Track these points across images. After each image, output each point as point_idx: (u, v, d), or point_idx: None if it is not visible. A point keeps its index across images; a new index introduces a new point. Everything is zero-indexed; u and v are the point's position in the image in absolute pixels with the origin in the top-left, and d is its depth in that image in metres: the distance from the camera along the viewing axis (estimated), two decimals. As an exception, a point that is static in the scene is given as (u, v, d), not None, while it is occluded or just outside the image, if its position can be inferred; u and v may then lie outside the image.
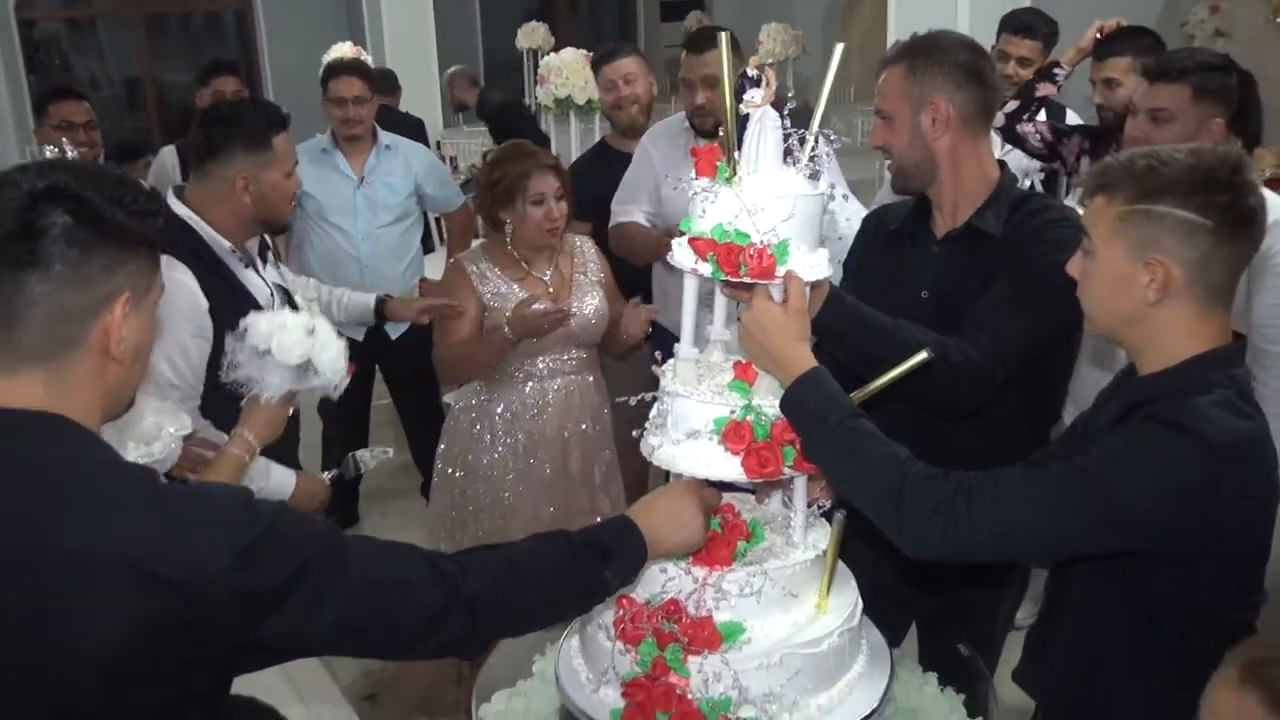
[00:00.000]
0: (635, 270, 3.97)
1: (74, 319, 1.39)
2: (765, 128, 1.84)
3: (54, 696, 1.33)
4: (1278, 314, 2.90)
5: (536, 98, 6.96)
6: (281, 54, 12.00)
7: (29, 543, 1.30)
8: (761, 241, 1.81)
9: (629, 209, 4.02)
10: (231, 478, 2.36)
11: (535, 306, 3.17)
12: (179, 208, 2.79)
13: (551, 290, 3.37)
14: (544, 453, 3.37)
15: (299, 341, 2.41)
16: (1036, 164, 4.29)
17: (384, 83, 6.77)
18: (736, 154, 1.83)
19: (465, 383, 3.48)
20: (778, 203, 1.81)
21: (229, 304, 2.68)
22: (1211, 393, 1.67)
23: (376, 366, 4.75)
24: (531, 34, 10.36)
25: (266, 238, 3.08)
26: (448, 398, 5.07)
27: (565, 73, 5.96)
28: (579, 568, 1.71)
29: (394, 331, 4.46)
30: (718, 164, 1.84)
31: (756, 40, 10.67)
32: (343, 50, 7.70)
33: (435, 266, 5.17)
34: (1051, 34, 4.51)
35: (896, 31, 6.71)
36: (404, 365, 4.67)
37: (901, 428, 1.88)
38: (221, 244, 2.79)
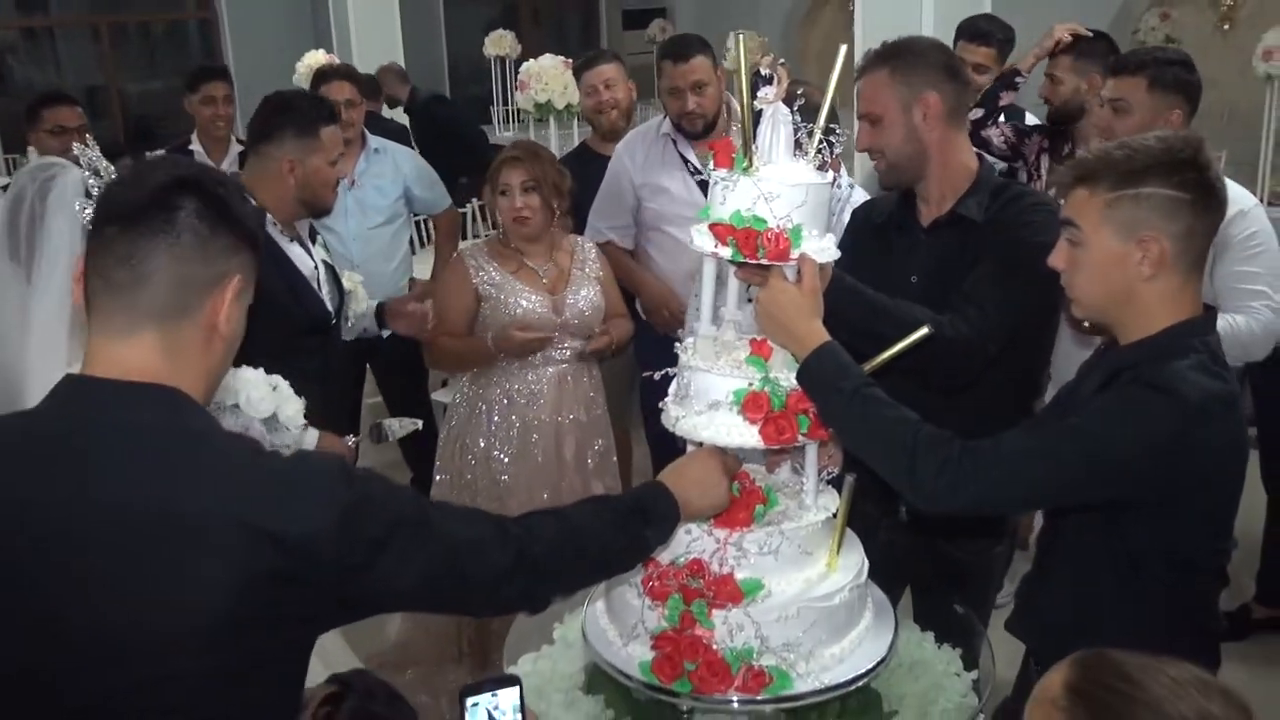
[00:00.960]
0: None
1: (193, 289, 1.52)
2: (778, 122, 2.01)
3: (165, 650, 1.41)
4: (1239, 279, 3.16)
5: (515, 103, 7.09)
6: (248, 61, 11.98)
7: (148, 508, 1.41)
8: (777, 226, 1.97)
9: (603, 229, 4.18)
10: None
11: (519, 333, 3.34)
12: None
13: (546, 282, 3.51)
14: (538, 439, 3.50)
15: (265, 396, 2.55)
16: (1002, 164, 4.47)
17: (369, 89, 6.89)
18: (753, 146, 1.99)
19: (459, 373, 3.64)
20: (792, 190, 1.97)
21: (273, 271, 2.88)
22: (1188, 357, 1.86)
23: (368, 365, 4.87)
24: (499, 41, 10.45)
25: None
26: (438, 395, 5.21)
27: (545, 78, 6.09)
28: (625, 529, 1.86)
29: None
30: (735, 155, 2.00)
31: (724, 46, 10.83)
32: (316, 57, 7.77)
33: (421, 267, 5.31)
34: (1007, 40, 4.59)
35: (863, 38, 6.89)
36: (393, 363, 4.78)
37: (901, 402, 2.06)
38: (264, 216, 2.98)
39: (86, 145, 2.43)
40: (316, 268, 3.13)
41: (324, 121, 3.10)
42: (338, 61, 7.89)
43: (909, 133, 2.49)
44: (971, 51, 4.54)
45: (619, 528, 1.85)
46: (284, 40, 10.51)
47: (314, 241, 3.18)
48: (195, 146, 5.25)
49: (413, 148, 6.09)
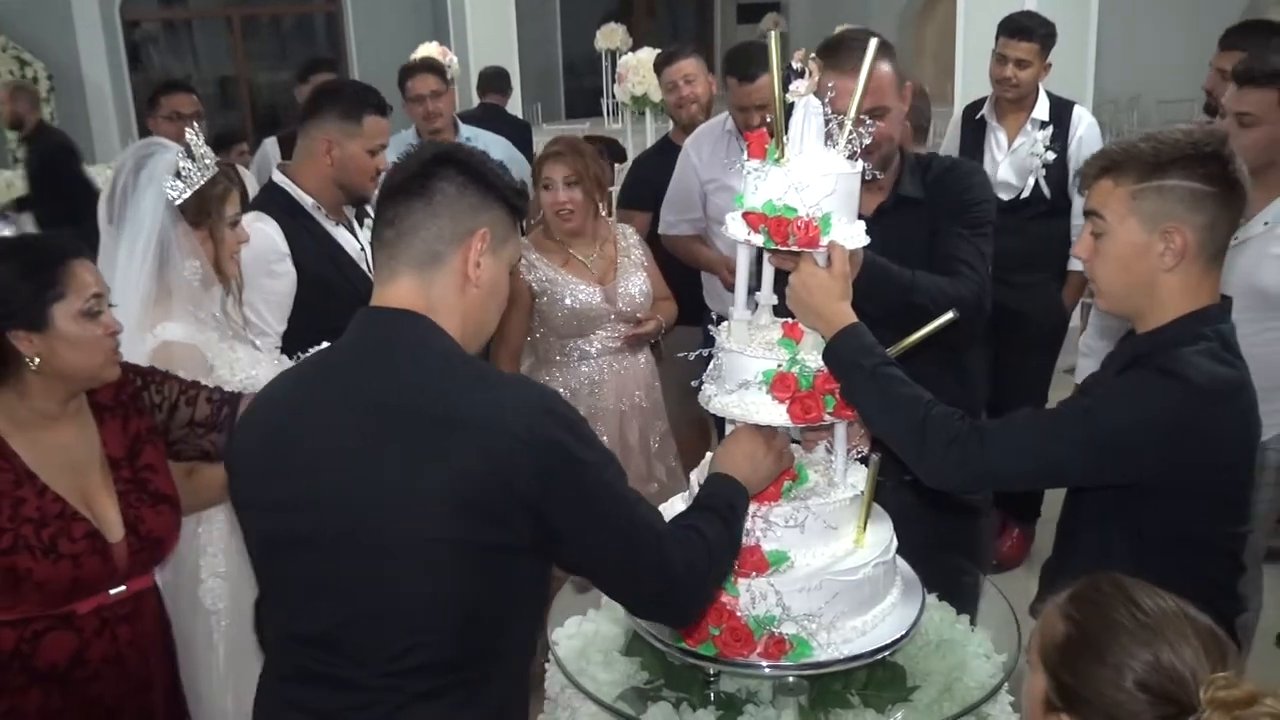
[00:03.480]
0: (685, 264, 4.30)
1: (443, 240, 1.78)
2: (809, 114, 2.09)
3: (418, 524, 1.67)
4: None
5: (614, 95, 7.21)
6: (370, 54, 12.38)
7: (406, 407, 1.70)
8: (807, 214, 2.05)
9: (677, 222, 4.32)
10: (218, 491, 2.47)
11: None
12: (277, 176, 3.23)
13: (596, 273, 3.65)
14: (603, 425, 3.62)
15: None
16: (1038, 162, 4.48)
17: (497, 83, 7.13)
18: (785, 138, 2.08)
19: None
20: (821, 180, 2.05)
21: (317, 251, 3.10)
22: (1198, 344, 1.91)
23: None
24: (610, 35, 10.61)
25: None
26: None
27: (642, 71, 6.20)
28: (734, 533, 2.00)
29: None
30: (767, 147, 2.09)
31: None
32: (429, 50, 8.02)
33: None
34: (1049, 35, 4.57)
35: (965, 32, 6.87)
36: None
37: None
38: (306, 200, 3.18)
39: (195, 132, 2.64)
40: (362, 249, 3.26)
41: (371, 110, 3.17)
42: (451, 54, 8.17)
43: (900, 123, 2.63)
44: (1013, 47, 4.54)
45: (731, 536, 1.99)
46: (404, 33, 10.81)
47: (360, 224, 3.32)
48: (305, 134, 5.50)
49: (531, 143, 6.23)
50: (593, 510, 1.74)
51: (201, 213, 2.60)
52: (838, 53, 2.49)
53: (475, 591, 1.70)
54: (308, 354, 2.10)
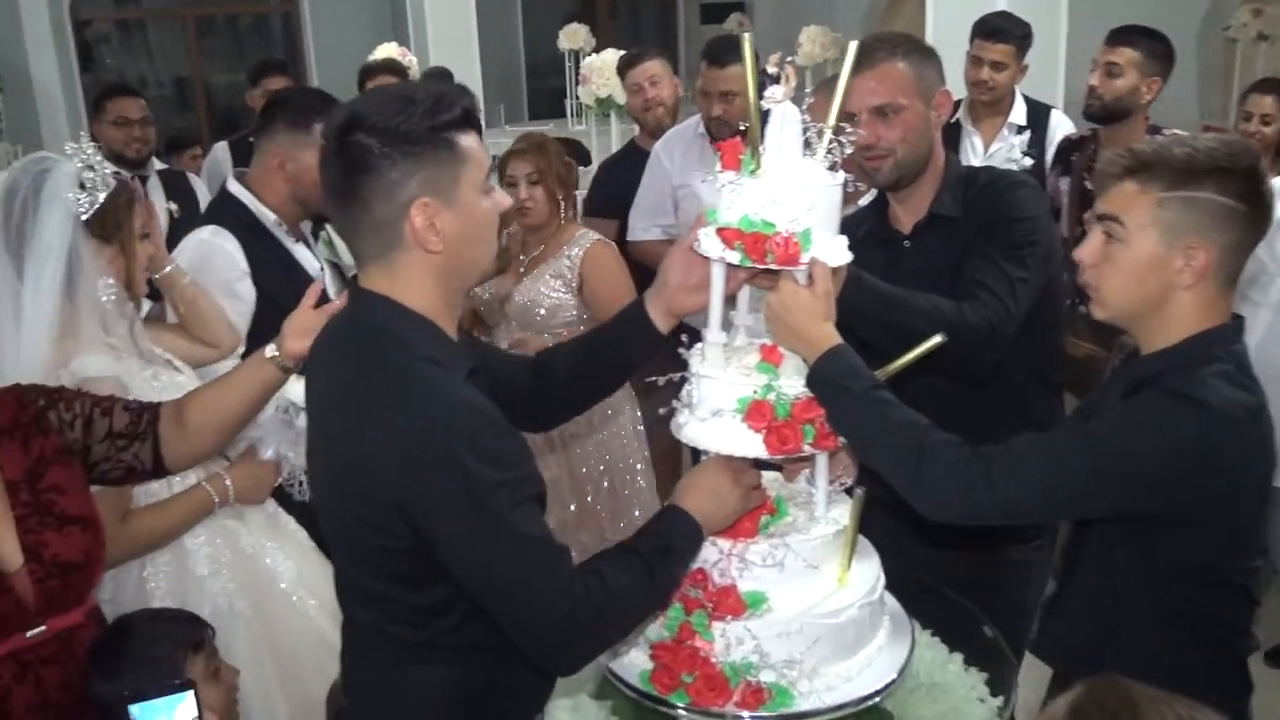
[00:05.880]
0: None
1: (385, 227, 1.74)
2: (786, 122, 1.94)
3: (360, 495, 1.74)
4: None
5: (578, 97, 7.06)
6: (328, 55, 12.19)
7: (357, 379, 1.76)
8: (786, 230, 1.90)
9: (646, 226, 4.19)
10: (187, 515, 2.46)
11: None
12: (233, 185, 3.06)
13: (523, 270, 3.61)
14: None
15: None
16: (1015, 167, 4.33)
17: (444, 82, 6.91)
18: (761, 147, 1.93)
19: None
20: (801, 192, 1.90)
21: (278, 271, 2.90)
22: (1212, 366, 1.77)
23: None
24: (573, 35, 10.45)
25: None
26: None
27: (606, 73, 6.06)
28: (657, 581, 1.86)
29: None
30: (742, 157, 1.94)
31: (796, 43, 10.72)
32: (388, 50, 7.85)
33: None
34: (1024, 36, 4.46)
35: (935, 34, 6.75)
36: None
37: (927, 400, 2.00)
38: (268, 216, 3.01)
39: (148, 139, 2.46)
40: (322, 269, 3.10)
41: (319, 116, 2.88)
42: (410, 55, 8.00)
43: (924, 129, 2.41)
44: (988, 49, 4.44)
45: (650, 584, 1.85)
46: (362, 33, 10.65)
47: (316, 239, 3.16)
48: (257, 139, 5.32)
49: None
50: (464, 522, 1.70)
51: (111, 226, 2.40)
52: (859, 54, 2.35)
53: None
54: None
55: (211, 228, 2.97)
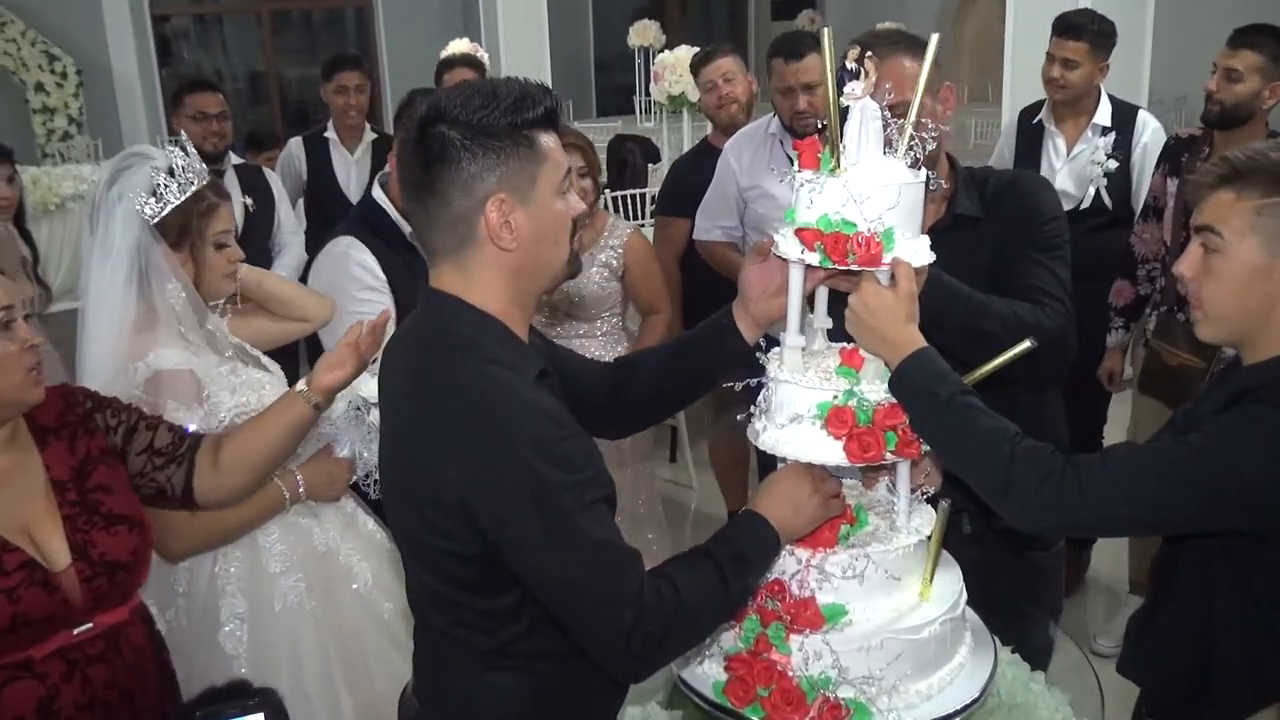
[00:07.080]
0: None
1: (459, 223, 1.71)
2: (866, 118, 1.88)
3: (428, 494, 1.69)
4: None
5: (648, 93, 7.03)
6: (399, 49, 12.31)
7: (424, 380, 1.73)
8: (868, 229, 1.84)
9: (709, 226, 4.13)
10: (257, 511, 2.45)
11: None
12: (376, 192, 3.06)
13: None
14: None
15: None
16: (1099, 170, 4.23)
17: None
18: (841, 145, 1.87)
19: None
20: (883, 191, 1.84)
21: (410, 283, 2.85)
22: None
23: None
24: (643, 32, 10.45)
25: None
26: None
27: (679, 70, 6.02)
28: (731, 589, 1.80)
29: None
30: (820, 156, 1.88)
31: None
32: (460, 46, 7.86)
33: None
34: (1102, 33, 4.24)
35: (1015, 30, 6.62)
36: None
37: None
38: (406, 227, 2.96)
39: (225, 134, 2.45)
40: None
41: None
42: (481, 50, 8.02)
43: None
44: (1062, 46, 4.24)
45: (725, 592, 1.80)
46: (434, 29, 10.72)
47: None
48: (330, 134, 5.34)
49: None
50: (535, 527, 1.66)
51: (182, 233, 2.41)
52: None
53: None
54: None
55: (348, 239, 2.97)
